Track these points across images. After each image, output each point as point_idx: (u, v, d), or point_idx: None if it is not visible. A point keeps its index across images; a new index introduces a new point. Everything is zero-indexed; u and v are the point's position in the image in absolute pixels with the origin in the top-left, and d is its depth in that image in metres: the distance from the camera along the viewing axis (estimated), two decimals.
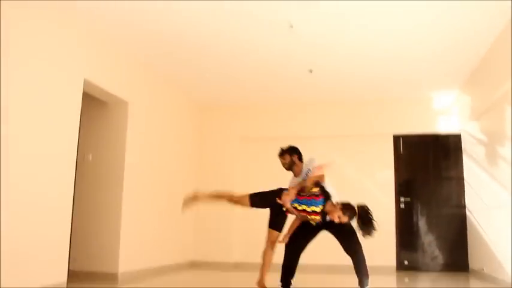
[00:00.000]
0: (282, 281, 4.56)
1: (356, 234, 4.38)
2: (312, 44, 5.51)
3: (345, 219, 4.04)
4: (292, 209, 4.17)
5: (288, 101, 7.74)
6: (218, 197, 4.57)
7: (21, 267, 4.07)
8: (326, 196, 4.07)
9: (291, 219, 4.41)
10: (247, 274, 6.55)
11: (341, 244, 4.48)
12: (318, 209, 4.01)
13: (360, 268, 4.40)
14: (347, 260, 4.39)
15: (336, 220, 4.04)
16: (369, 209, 4.17)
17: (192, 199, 4.49)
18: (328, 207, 4.02)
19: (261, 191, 4.40)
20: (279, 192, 4.30)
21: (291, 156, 4.72)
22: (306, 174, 4.53)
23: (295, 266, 4.56)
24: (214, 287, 5.52)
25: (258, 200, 4.38)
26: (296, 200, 4.14)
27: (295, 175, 4.73)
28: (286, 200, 4.19)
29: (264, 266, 4.46)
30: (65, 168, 4.73)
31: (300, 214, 4.16)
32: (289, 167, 4.73)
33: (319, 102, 7.66)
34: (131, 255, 5.79)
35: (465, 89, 6.74)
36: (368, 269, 4.42)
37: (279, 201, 4.24)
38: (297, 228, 4.53)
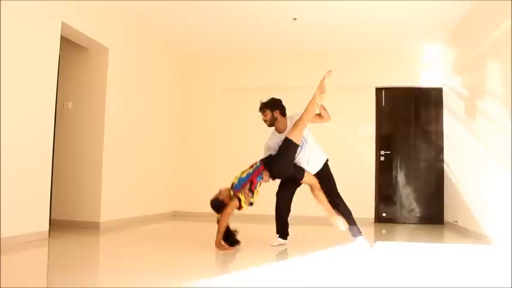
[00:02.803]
0: (278, 231, 4.64)
1: (334, 183, 4.51)
2: None
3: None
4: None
5: (271, 51, 7.64)
6: None
7: (3, 216, 4.05)
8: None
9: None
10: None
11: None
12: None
13: (345, 218, 4.50)
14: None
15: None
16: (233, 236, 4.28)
17: None
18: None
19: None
20: None
21: (272, 111, 4.51)
22: None
23: (288, 213, 4.64)
24: (194, 235, 5.61)
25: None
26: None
27: (279, 131, 4.54)
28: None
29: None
30: (44, 116, 4.65)
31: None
32: (271, 123, 4.55)
33: (303, 52, 7.57)
34: (113, 205, 5.81)
35: (449, 43, 6.72)
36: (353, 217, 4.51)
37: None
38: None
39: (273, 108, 4.53)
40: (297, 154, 4.42)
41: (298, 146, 4.32)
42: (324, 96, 4.36)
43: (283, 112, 4.57)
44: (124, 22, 6.16)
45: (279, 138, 4.44)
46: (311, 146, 4.51)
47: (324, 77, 4.38)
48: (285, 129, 4.50)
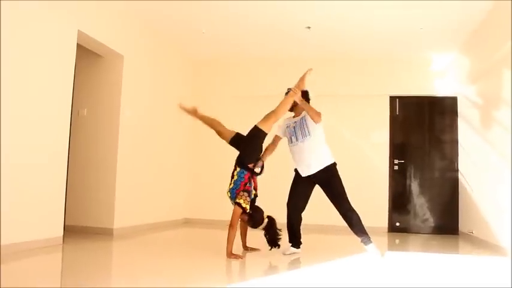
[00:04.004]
0: (291, 240, 4.63)
1: (343, 189, 4.47)
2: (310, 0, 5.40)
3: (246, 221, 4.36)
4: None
5: (283, 59, 7.64)
6: (209, 121, 4.71)
7: (18, 221, 4.10)
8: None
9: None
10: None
11: (330, 200, 4.55)
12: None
13: (354, 226, 4.46)
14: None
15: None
16: (275, 222, 4.37)
17: (188, 111, 4.65)
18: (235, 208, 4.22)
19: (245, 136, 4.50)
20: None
21: None
22: (304, 122, 4.53)
23: (299, 223, 4.62)
24: (206, 242, 5.60)
25: (236, 141, 4.52)
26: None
27: (295, 116, 4.68)
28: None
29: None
30: (59, 123, 4.70)
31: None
32: (291, 107, 4.65)
33: (315, 60, 7.52)
34: (126, 211, 5.83)
35: (463, 51, 6.68)
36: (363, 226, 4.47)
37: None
38: (292, 185, 4.62)
39: None
40: (293, 142, 4.56)
41: (267, 134, 4.40)
42: (297, 92, 4.46)
43: (305, 100, 4.63)
44: (139, 30, 6.22)
45: (290, 122, 4.64)
46: (315, 142, 4.50)
47: (305, 74, 4.51)
48: (299, 116, 4.64)
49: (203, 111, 7.10)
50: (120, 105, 5.74)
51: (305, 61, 7.58)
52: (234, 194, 4.27)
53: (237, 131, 4.56)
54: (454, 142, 7.12)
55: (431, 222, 7.15)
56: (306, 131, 4.50)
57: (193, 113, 4.67)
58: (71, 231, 5.40)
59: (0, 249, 3.82)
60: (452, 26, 5.96)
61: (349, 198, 4.49)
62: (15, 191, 4.08)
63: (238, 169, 4.35)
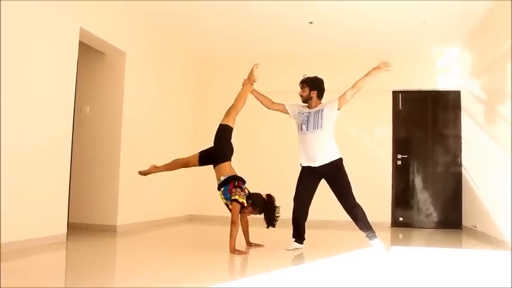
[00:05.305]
0: (295, 235, 4.63)
1: (348, 184, 4.48)
2: None
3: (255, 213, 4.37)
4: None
5: (285, 54, 7.62)
6: (172, 165, 4.86)
7: (22, 219, 4.12)
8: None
9: None
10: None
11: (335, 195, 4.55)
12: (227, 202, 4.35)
13: (359, 220, 4.47)
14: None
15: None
16: (274, 200, 4.40)
17: (148, 172, 4.85)
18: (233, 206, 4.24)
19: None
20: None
21: (310, 90, 4.65)
22: (320, 115, 4.53)
23: (305, 218, 4.62)
24: (209, 239, 5.61)
25: (204, 156, 4.67)
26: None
27: (308, 107, 4.69)
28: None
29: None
30: (62, 120, 4.71)
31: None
32: (305, 100, 4.68)
33: (318, 55, 7.53)
34: (130, 208, 5.85)
35: (467, 46, 6.65)
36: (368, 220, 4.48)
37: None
38: (298, 180, 4.63)
39: (312, 87, 4.68)
40: (303, 131, 4.57)
41: (232, 128, 4.59)
42: (248, 83, 4.74)
43: (320, 95, 4.69)
44: (141, 27, 6.22)
45: (304, 110, 4.66)
46: (324, 136, 4.52)
47: (252, 69, 4.75)
48: (313, 108, 4.65)
49: (207, 107, 7.17)
50: (123, 102, 5.75)
51: (307, 57, 7.59)
52: (227, 195, 4.33)
53: (198, 151, 4.73)
54: (458, 137, 7.10)
55: (434, 217, 7.14)
56: (320, 124, 4.51)
57: (154, 170, 4.85)
58: (74, 228, 5.41)
59: (1, 246, 3.84)
60: (455, 20, 5.93)
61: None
62: (19, 188, 4.09)
63: (221, 190, 4.43)
